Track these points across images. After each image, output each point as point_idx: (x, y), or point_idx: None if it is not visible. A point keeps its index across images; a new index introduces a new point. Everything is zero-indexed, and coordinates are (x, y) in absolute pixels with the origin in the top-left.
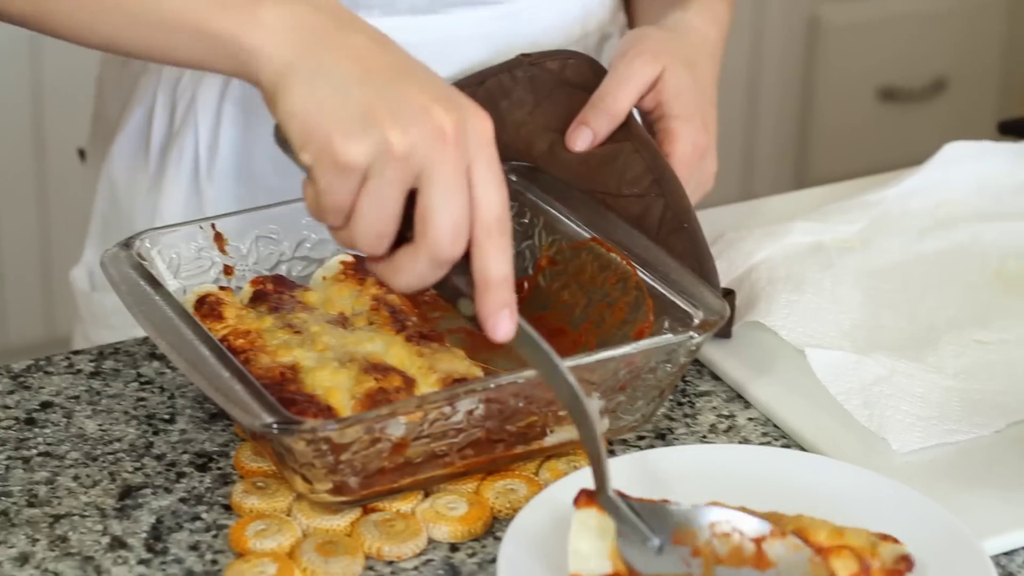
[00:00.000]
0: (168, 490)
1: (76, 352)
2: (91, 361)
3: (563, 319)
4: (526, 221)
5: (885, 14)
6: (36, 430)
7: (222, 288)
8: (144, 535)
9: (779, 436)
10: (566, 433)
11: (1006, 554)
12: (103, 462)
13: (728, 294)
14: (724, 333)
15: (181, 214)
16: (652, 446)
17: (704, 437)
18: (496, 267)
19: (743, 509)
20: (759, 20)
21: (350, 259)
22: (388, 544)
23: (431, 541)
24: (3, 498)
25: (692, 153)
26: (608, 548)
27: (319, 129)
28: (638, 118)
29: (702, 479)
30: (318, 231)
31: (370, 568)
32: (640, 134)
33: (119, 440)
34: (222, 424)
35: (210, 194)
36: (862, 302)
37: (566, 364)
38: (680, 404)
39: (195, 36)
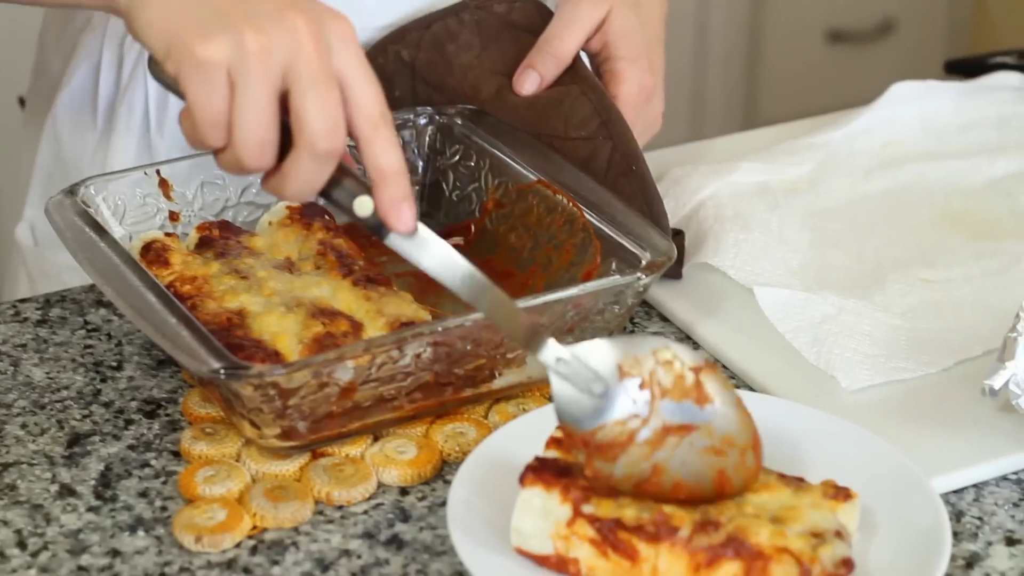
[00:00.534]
0: (116, 437)
1: (22, 300)
2: (37, 309)
3: (510, 262)
4: (472, 164)
5: None
6: None
7: (168, 234)
8: (93, 482)
9: (729, 376)
10: (515, 376)
11: (955, 492)
12: (51, 410)
13: (677, 235)
14: (674, 274)
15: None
16: None
17: None
18: (388, 158)
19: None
20: None
21: (296, 204)
22: (337, 489)
23: (381, 485)
24: None
25: (638, 95)
26: (550, 529)
27: (176, 34)
28: (586, 61)
29: None
30: None
31: (319, 513)
32: (587, 77)
33: (67, 388)
34: (170, 371)
35: (161, 147)
36: (809, 242)
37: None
38: None
39: None
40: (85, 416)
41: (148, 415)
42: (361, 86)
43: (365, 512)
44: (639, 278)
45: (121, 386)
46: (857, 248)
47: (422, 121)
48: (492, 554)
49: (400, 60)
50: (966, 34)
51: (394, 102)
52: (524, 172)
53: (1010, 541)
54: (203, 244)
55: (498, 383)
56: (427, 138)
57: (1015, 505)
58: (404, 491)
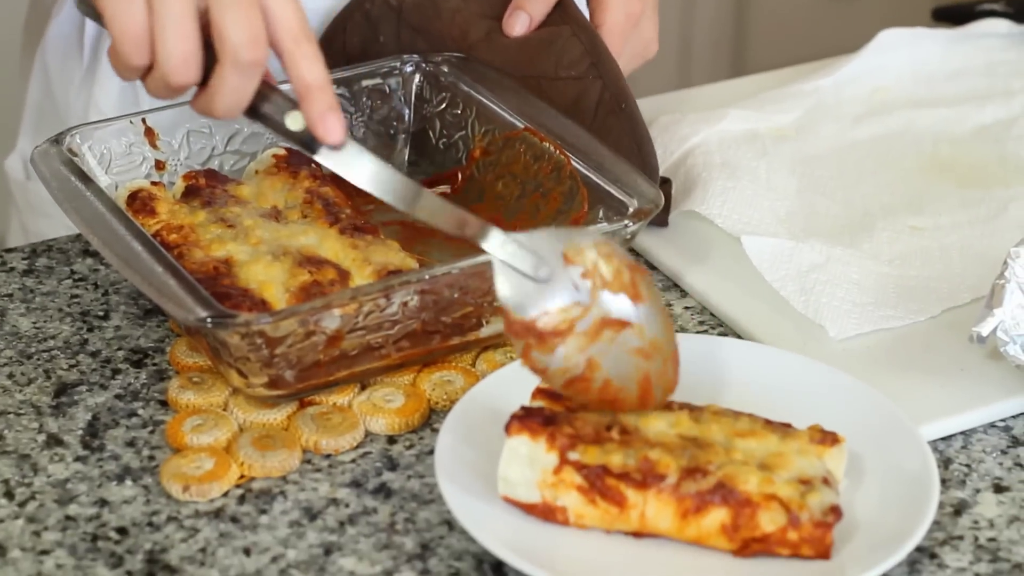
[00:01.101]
0: (104, 387)
1: (8, 250)
2: (24, 259)
3: (498, 210)
4: (459, 112)
5: None
6: None
7: (154, 183)
8: (80, 432)
9: (716, 324)
10: (502, 324)
11: (943, 439)
12: (37, 360)
13: (664, 183)
14: (661, 222)
15: (116, 106)
16: None
17: None
18: (312, 72)
19: (684, 405)
20: None
21: (283, 152)
22: (325, 437)
23: (368, 434)
24: None
25: (625, 22)
26: (537, 477)
27: None
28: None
29: None
30: (249, 124)
31: (307, 462)
32: (577, 16)
33: (53, 338)
34: (157, 320)
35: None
36: (798, 189)
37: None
38: None
39: None
40: (72, 366)
41: (135, 364)
42: (280, 3)
43: (353, 461)
44: (626, 225)
45: (108, 335)
46: (845, 195)
47: (408, 69)
48: (480, 502)
49: (387, 5)
50: None
51: (378, 48)
52: (511, 120)
53: (998, 488)
54: (189, 193)
55: (485, 331)
56: (413, 86)
57: (1003, 452)
58: (392, 440)
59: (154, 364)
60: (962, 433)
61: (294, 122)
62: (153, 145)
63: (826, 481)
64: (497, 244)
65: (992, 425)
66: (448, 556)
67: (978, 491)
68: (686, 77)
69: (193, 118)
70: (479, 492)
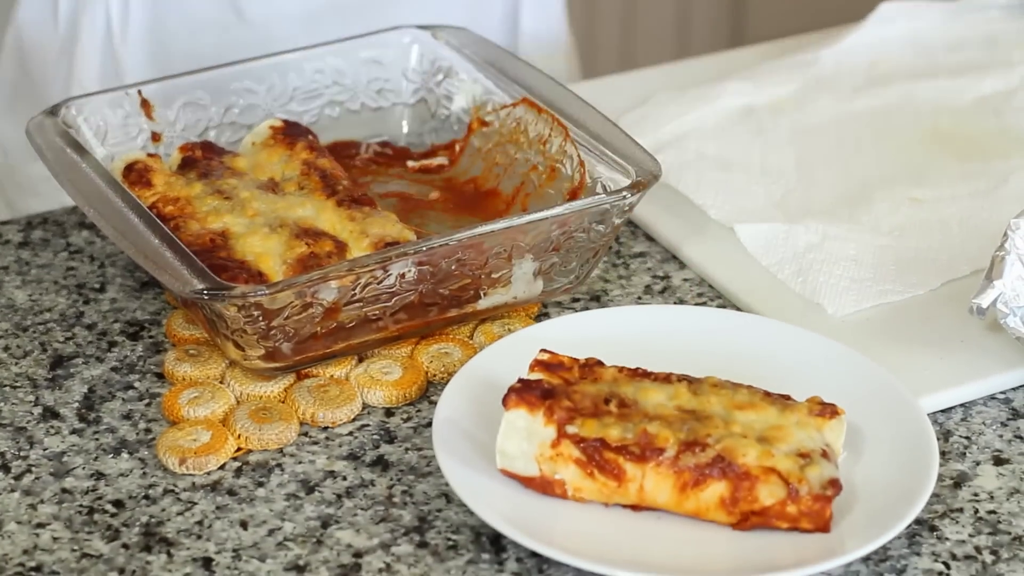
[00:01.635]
0: (100, 359)
1: (3, 223)
2: (19, 231)
3: (496, 181)
4: (456, 83)
5: None
6: None
7: (150, 155)
8: (76, 405)
9: (715, 296)
10: (500, 296)
11: (943, 412)
12: (33, 332)
13: None
14: None
15: (98, 78)
16: (587, 308)
17: (639, 298)
18: None
19: (683, 377)
20: None
21: (279, 124)
22: (322, 410)
23: (365, 406)
24: None
25: None
26: (535, 451)
27: None
28: None
29: (638, 341)
30: (246, 97)
31: (304, 434)
32: None
33: (49, 310)
34: (153, 292)
35: (126, 57)
36: (796, 162)
37: (499, 226)
38: (615, 266)
39: None
40: (68, 338)
41: (131, 337)
42: None
43: (350, 433)
44: (624, 197)
45: (104, 308)
46: (844, 167)
47: (406, 40)
48: (478, 475)
49: None
50: None
51: None
52: (509, 91)
53: (998, 460)
54: (186, 165)
55: (483, 303)
56: (412, 57)
57: (1003, 424)
58: (389, 412)
59: (150, 337)
60: (962, 405)
61: None
62: (149, 117)
63: (825, 454)
64: None
65: (992, 397)
66: (446, 529)
67: (978, 463)
68: (684, 48)
69: (189, 90)
70: (477, 465)
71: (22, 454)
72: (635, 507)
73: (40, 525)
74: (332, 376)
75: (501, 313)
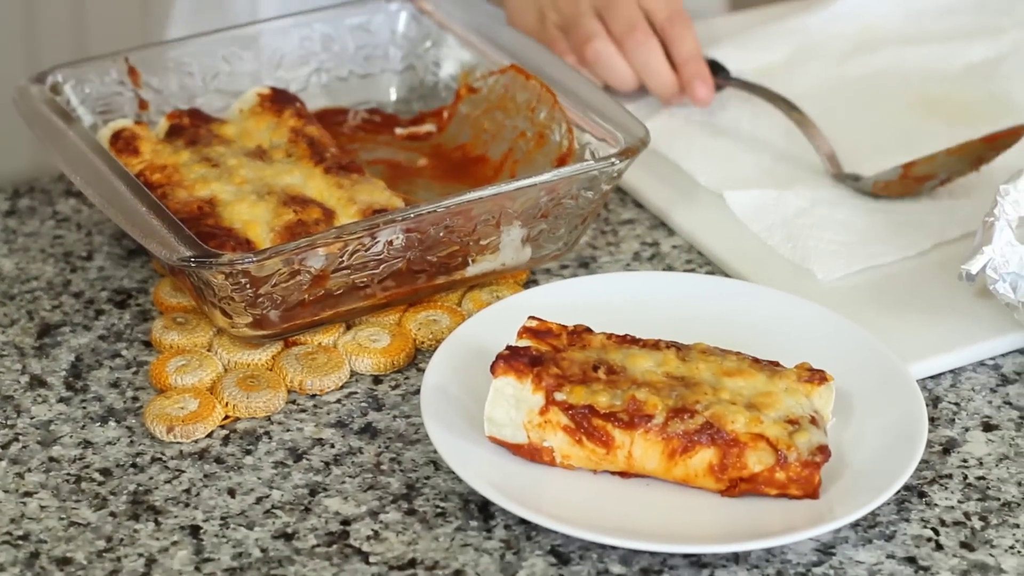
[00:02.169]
0: (87, 328)
1: None
2: (6, 200)
3: (484, 147)
4: (445, 49)
5: None
6: None
7: (137, 123)
8: (64, 373)
9: (704, 263)
10: (488, 263)
11: (932, 378)
12: (20, 301)
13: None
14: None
15: None
16: (576, 275)
17: (628, 265)
18: (684, 46)
19: (672, 344)
20: None
21: (267, 91)
22: (310, 377)
23: (353, 374)
24: None
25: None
26: (523, 418)
27: None
28: None
29: (627, 307)
30: (232, 63)
31: (292, 402)
32: None
33: (36, 279)
34: (140, 260)
35: None
36: (785, 131)
37: (487, 193)
38: (603, 232)
39: None
40: (55, 307)
41: (118, 305)
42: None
43: (338, 401)
44: (613, 163)
45: (91, 276)
46: (834, 133)
47: (394, 7)
48: (466, 442)
49: None
50: None
51: None
52: (498, 57)
53: (987, 427)
54: (173, 132)
55: (471, 270)
56: (400, 24)
57: (992, 391)
58: (377, 379)
59: (138, 305)
60: (951, 371)
61: None
62: (136, 84)
63: (814, 420)
64: None
65: (981, 363)
66: (434, 496)
67: (967, 429)
68: None
69: (177, 57)
70: (465, 432)
71: (9, 423)
72: (623, 474)
73: (27, 494)
74: (320, 344)
75: (489, 280)
